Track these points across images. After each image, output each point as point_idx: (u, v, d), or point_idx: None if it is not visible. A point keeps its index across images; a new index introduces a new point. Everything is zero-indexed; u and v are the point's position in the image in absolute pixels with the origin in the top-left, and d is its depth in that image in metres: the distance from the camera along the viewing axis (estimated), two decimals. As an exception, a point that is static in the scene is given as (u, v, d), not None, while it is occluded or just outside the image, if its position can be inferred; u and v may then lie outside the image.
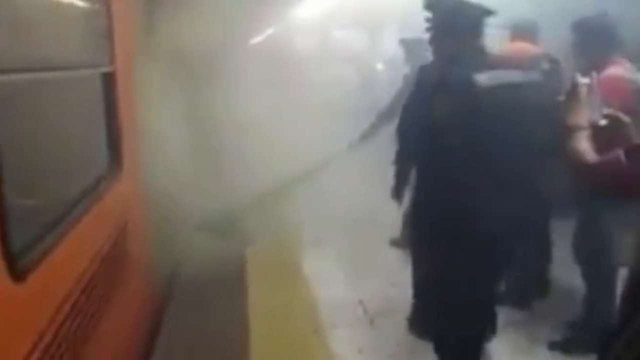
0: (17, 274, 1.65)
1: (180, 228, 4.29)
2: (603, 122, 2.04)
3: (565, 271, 4.13)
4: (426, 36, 2.90)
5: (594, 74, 2.10)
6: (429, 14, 2.82)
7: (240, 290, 4.21)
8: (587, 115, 2.03)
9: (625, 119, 2.03)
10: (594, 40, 3.50)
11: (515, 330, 3.81)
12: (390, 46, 6.56)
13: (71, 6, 2.57)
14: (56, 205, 2.19)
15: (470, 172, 2.59)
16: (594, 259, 3.64)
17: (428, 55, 4.29)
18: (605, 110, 2.06)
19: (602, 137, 1.98)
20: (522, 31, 4.35)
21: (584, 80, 2.08)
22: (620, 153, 1.76)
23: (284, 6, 4.99)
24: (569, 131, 2.00)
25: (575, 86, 2.07)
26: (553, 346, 3.71)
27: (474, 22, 2.76)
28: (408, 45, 5.18)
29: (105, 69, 2.93)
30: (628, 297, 1.76)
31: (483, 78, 2.60)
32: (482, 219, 2.60)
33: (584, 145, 1.93)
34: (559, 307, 4.09)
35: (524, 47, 4.21)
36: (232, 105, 4.48)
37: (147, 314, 3.72)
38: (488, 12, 2.76)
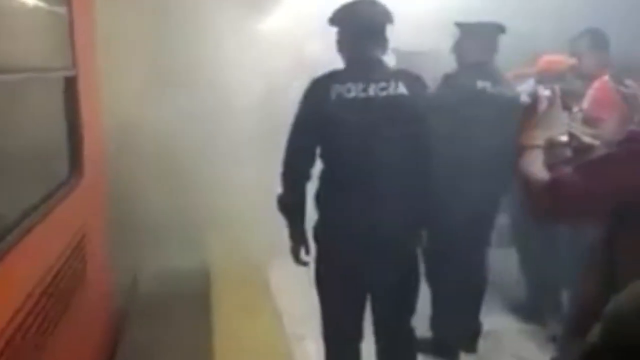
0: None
1: (143, 238, 4.18)
2: (564, 138, 1.86)
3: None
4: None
5: (556, 87, 1.92)
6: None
7: (204, 306, 4.11)
8: (545, 132, 1.83)
9: (592, 141, 1.88)
10: (585, 54, 3.80)
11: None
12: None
13: (28, 9, 2.48)
14: (8, 213, 2.09)
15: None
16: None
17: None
18: (571, 128, 1.90)
19: (563, 155, 1.84)
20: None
21: (545, 93, 1.89)
22: (567, 169, 1.58)
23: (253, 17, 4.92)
24: (523, 149, 1.80)
25: (534, 100, 1.88)
26: None
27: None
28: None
29: (66, 73, 2.84)
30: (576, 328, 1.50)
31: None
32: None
33: (537, 165, 1.72)
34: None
35: (559, 60, 4.12)
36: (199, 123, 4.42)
37: (106, 328, 3.59)
38: (389, 20, 2.87)
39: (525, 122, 1.85)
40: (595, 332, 0.70)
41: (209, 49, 4.51)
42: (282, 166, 2.88)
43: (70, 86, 2.87)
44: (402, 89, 2.77)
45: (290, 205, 2.94)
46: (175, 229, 4.45)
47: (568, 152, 1.86)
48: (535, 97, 1.89)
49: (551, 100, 1.86)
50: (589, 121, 3.36)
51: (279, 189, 2.96)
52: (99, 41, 3.50)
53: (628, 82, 3.36)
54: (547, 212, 1.68)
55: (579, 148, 1.86)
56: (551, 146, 1.81)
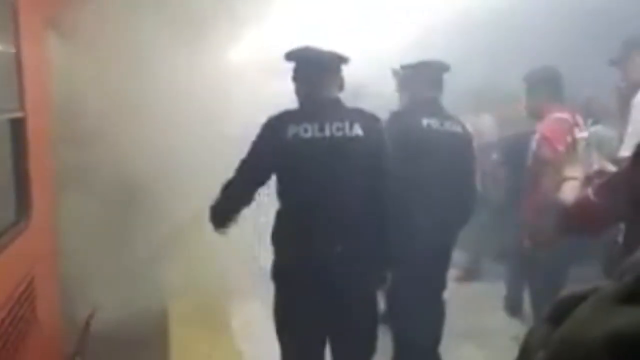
0: None
1: (95, 279, 4.09)
2: (594, 168, 2.29)
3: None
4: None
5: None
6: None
7: (161, 348, 4.02)
8: (583, 167, 2.23)
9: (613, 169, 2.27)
10: (541, 90, 3.73)
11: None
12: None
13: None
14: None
15: None
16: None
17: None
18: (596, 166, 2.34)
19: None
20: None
21: (582, 135, 2.34)
22: (589, 191, 1.91)
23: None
24: (564, 180, 2.20)
25: (574, 140, 2.29)
26: None
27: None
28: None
29: (13, 115, 2.78)
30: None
31: None
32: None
33: (573, 193, 2.09)
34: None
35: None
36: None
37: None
38: (344, 60, 2.93)
39: (568, 158, 2.28)
40: None
41: (164, 84, 4.49)
42: (220, 195, 2.87)
43: (18, 128, 2.81)
44: (357, 130, 2.78)
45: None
46: (131, 267, 4.37)
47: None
48: (574, 138, 2.33)
49: (586, 141, 2.34)
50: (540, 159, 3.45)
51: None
52: (52, 81, 3.46)
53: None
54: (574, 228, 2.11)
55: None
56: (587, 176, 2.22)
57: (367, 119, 2.85)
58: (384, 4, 5.45)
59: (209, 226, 4.57)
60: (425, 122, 3.42)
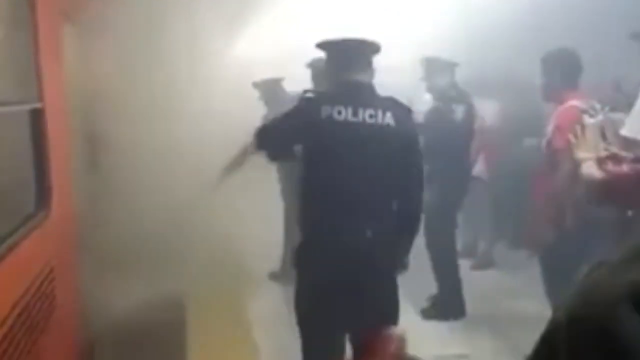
0: None
1: (115, 271, 4.12)
2: (604, 153, 2.61)
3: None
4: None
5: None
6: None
7: (178, 338, 4.05)
8: (593, 148, 2.63)
9: (623, 153, 2.55)
10: (557, 73, 3.67)
11: None
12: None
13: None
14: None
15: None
16: None
17: (285, 94, 4.47)
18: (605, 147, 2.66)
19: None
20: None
21: (591, 121, 2.77)
22: (624, 167, 2.35)
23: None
24: (580, 162, 2.61)
25: (583, 127, 2.73)
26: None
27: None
28: (260, 86, 5.20)
29: (32, 106, 2.81)
30: None
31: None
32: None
33: (593, 169, 2.51)
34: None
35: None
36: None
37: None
38: (376, 48, 2.95)
39: (580, 141, 2.76)
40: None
41: (180, 76, 4.52)
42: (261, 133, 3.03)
43: (37, 118, 2.84)
44: (389, 119, 2.81)
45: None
46: (150, 258, 4.41)
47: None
48: (584, 124, 2.87)
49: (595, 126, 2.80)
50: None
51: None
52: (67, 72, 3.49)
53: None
54: (606, 199, 2.53)
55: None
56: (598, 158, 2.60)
57: (399, 108, 2.89)
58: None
59: (227, 217, 4.60)
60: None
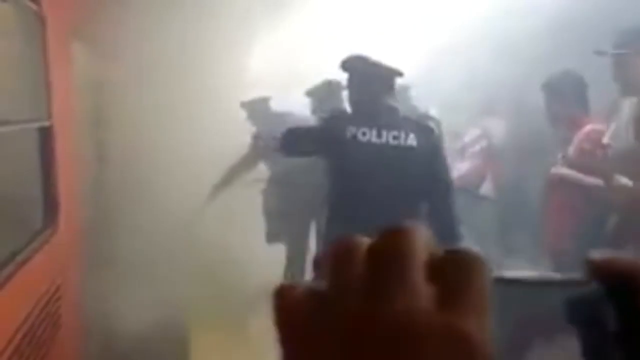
0: None
1: (119, 290, 4.11)
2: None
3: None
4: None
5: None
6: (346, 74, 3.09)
7: (181, 355, 4.02)
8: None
9: None
10: (564, 97, 3.60)
11: None
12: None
13: (4, 58, 2.48)
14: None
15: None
16: None
17: (272, 113, 4.50)
18: None
19: None
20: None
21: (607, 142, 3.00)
22: None
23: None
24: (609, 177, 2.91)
25: (604, 147, 3.02)
26: None
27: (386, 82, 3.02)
28: (248, 106, 5.18)
29: (41, 124, 2.82)
30: None
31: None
32: None
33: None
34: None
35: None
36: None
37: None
38: (399, 73, 3.03)
39: None
40: None
41: (189, 90, 4.54)
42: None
43: (46, 136, 2.84)
44: (412, 141, 2.88)
45: None
46: (155, 275, 4.39)
47: None
48: None
49: None
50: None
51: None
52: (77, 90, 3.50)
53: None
54: None
55: None
56: None
57: (422, 130, 2.96)
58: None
59: (231, 236, 4.58)
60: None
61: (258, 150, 4.47)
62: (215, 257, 4.68)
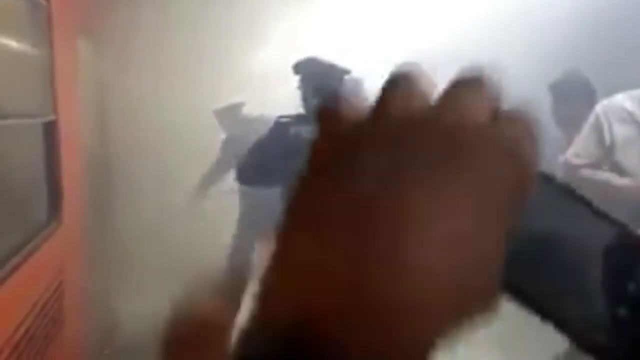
0: None
1: (122, 285, 4.12)
2: None
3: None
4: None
5: None
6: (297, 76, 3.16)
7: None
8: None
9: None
10: (572, 99, 3.59)
11: None
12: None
13: (9, 53, 2.48)
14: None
15: None
16: None
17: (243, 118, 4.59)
18: None
19: None
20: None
21: None
22: None
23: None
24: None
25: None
26: None
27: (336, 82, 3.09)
28: (220, 114, 5.04)
29: (46, 119, 2.83)
30: None
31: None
32: None
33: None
34: None
35: None
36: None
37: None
38: (346, 72, 3.14)
39: None
40: None
41: (194, 88, 4.55)
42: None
43: (50, 131, 2.85)
44: None
45: None
46: (160, 271, 4.40)
47: None
48: None
49: None
50: None
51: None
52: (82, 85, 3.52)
53: None
54: None
55: None
56: None
57: None
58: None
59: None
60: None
61: (227, 157, 4.47)
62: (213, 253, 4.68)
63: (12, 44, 2.55)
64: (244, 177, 3.24)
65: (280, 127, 3.09)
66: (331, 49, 3.67)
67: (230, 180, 4.51)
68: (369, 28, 5.32)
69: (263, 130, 3.26)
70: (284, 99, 4.97)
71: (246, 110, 4.99)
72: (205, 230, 4.66)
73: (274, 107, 4.66)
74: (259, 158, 3.08)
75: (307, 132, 2.97)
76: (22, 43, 2.67)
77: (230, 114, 4.96)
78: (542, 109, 3.91)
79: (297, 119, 3.10)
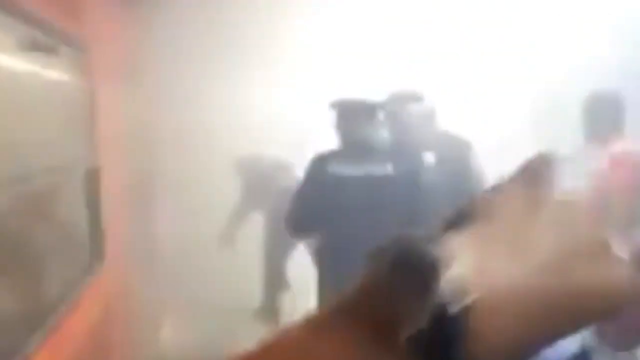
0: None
1: (164, 327, 4.16)
2: None
3: None
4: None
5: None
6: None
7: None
8: None
9: None
10: (604, 116, 3.54)
11: None
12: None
13: (46, 101, 2.49)
14: (30, 314, 2.09)
15: None
16: None
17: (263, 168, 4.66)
18: None
19: None
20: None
21: None
22: None
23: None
24: None
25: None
26: None
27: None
28: (239, 163, 4.93)
29: (88, 165, 2.88)
30: None
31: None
32: None
33: None
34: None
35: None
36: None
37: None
38: (379, 106, 3.18)
39: None
40: None
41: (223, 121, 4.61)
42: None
43: (92, 177, 2.91)
44: (389, 170, 3.00)
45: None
46: (202, 304, 4.42)
47: None
48: None
49: None
50: None
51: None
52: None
53: None
54: None
55: None
56: None
57: (404, 157, 3.09)
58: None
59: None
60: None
61: (248, 203, 4.65)
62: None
63: (56, 95, 2.59)
64: (297, 229, 3.26)
65: (317, 166, 3.10)
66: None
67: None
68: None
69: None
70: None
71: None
72: (243, 261, 4.68)
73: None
74: (306, 207, 3.09)
75: (345, 169, 3.00)
76: (64, 90, 2.70)
77: (247, 164, 4.92)
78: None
79: (334, 156, 3.11)
